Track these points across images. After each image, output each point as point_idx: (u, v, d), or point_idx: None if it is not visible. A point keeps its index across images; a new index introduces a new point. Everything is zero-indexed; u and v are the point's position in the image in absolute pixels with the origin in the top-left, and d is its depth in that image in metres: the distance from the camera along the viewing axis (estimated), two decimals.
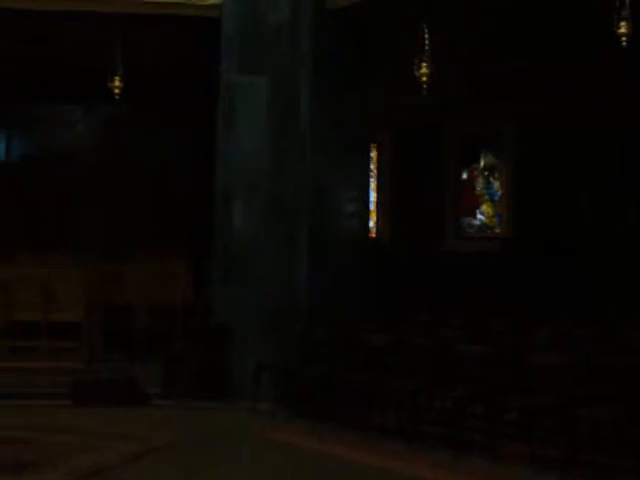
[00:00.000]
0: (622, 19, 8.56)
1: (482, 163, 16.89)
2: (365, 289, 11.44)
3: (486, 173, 16.89)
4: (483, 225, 16.91)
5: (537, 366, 8.14)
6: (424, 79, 10.02)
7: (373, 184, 16.82)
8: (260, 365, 10.21)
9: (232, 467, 7.95)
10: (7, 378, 11.63)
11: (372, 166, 16.46)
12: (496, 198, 16.69)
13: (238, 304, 10.85)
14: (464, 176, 17.10)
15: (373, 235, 16.83)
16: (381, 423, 9.02)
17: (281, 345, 10.48)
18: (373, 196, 16.80)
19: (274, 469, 7.88)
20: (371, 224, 16.13)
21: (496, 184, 16.72)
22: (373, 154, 16.64)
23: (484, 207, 16.84)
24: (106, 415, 9.98)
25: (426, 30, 9.93)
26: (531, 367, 8.16)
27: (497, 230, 16.65)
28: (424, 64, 9.96)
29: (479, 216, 16.91)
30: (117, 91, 11.14)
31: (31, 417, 9.75)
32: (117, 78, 11.10)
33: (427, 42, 9.89)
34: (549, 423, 7.92)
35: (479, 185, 16.94)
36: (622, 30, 8.58)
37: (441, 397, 8.66)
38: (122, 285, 13.93)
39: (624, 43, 8.60)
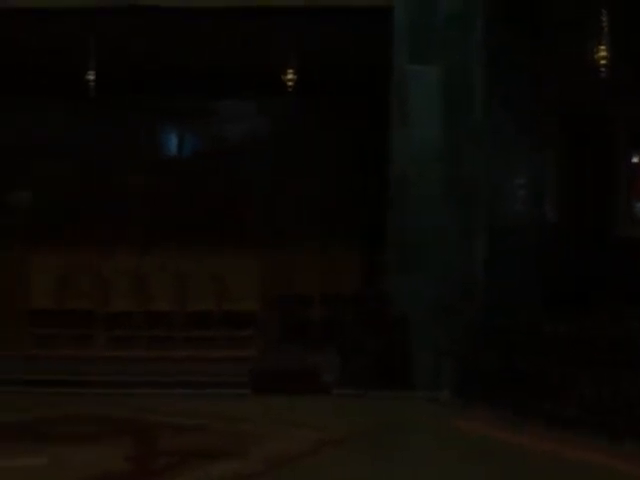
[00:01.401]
0: None
1: None
2: (539, 276, 11.27)
3: None
4: None
5: None
6: (602, 62, 9.80)
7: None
8: (439, 354, 10.19)
9: (416, 457, 7.93)
10: (186, 367, 11.95)
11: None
12: None
13: (413, 292, 10.82)
14: (635, 160, 16.60)
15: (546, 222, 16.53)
16: (564, 413, 8.86)
17: (457, 333, 10.42)
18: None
19: (459, 459, 7.75)
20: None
21: None
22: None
23: None
24: (286, 404, 10.10)
25: (605, 13, 9.70)
26: None
27: None
28: (602, 47, 9.73)
29: None
30: (290, 84, 11.23)
31: (213, 406, 9.98)
32: (290, 71, 11.19)
33: (606, 25, 9.66)
34: None
35: None
36: None
37: (627, 388, 8.44)
38: (295, 274, 14.10)
39: None
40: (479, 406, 9.67)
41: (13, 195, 15.00)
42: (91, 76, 11.17)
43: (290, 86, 11.28)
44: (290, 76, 11.24)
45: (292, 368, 11.42)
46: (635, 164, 16.44)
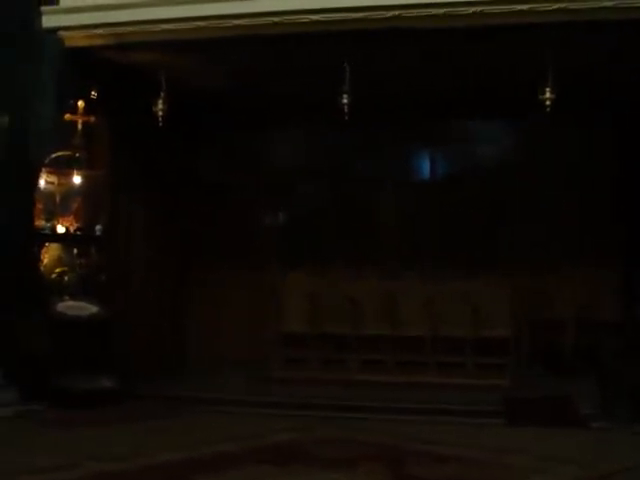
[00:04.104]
0: None
1: None
2: None
3: None
4: None
5: None
6: None
7: None
8: None
9: None
10: (437, 394, 11.78)
11: None
12: None
13: None
14: None
15: None
16: None
17: None
18: None
19: None
20: None
21: None
22: None
23: None
24: (541, 436, 9.65)
25: None
26: None
27: None
28: None
29: None
30: (548, 103, 10.83)
31: (466, 435, 9.70)
32: (548, 89, 10.81)
33: None
34: None
35: None
36: None
37: None
38: (549, 300, 13.69)
39: None
40: None
41: (268, 217, 15.39)
42: (345, 99, 11.22)
43: (548, 105, 10.87)
44: (548, 94, 10.84)
45: (547, 398, 10.98)
46: None
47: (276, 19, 10.92)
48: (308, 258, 14.52)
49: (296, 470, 7.94)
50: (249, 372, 13.28)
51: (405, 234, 14.63)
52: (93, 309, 11.75)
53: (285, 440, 9.45)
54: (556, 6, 10.24)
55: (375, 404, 11.21)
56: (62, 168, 12.11)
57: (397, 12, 10.67)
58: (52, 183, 12.08)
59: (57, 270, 11.98)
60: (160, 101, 11.92)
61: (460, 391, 11.98)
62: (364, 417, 10.62)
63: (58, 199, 12.08)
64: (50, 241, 12.04)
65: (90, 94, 12.03)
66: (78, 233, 12.14)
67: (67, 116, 11.98)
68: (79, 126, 12.05)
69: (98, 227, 12.24)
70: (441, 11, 10.56)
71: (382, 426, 10.17)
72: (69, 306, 11.70)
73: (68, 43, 11.75)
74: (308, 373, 13.21)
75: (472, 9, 10.46)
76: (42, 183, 11.98)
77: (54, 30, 11.70)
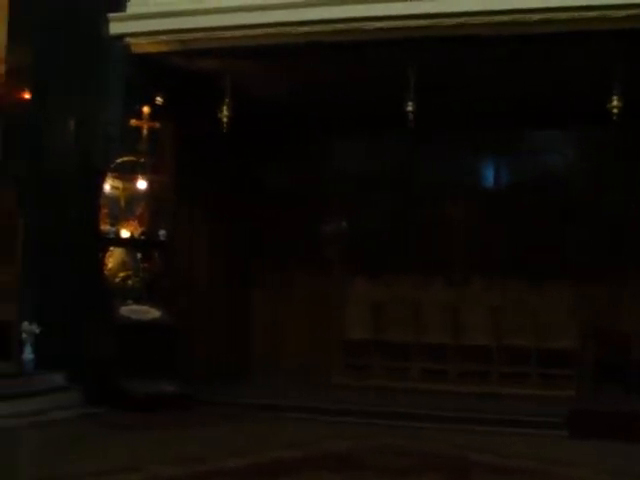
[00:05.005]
0: None
1: None
2: None
3: None
4: None
5: None
6: None
7: None
8: None
9: None
10: (500, 404, 11.66)
11: None
12: None
13: None
14: None
15: None
16: None
17: None
18: None
19: None
20: None
21: None
22: None
23: None
24: (605, 449, 9.47)
25: None
26: None
27: None
28: None
29: None
30: (615, 112, 10.66)
31: (529, 446, 9.56)
32: (615, 98, 10.64)
33: None
34: None
35: None
36: None
37: None
38: (616, 310, 13.45)
39: None
40: None
41: (331, 225, 15.32)
42: (410, 107, 11.14)
43: (615, 113, 10.68)
44: (615, 102, 10.66)
45: (612, 411, 10.79)
46: None
47: (341, 26, 10.92)
48: (373, 265, 14.47)
49: (355, 478, 7.90)
50: (310, 378, 13.27)
51: (471, 243, 14.43)
52: (156, 313, 11.84)
53: (345, 447, 9.42)
54: (625, 13, 10.08)
55: (437, 413, 11.11)
56: (127, 173, 12.22)
57: (462, 19, 10.60)
58: (117, 188, 12.21)
59: (121, 274, 12.10)
60: (225, 107, 11.97)
61: (524, 402, 11.86)
62: (425, 426, 10.55)
63: (123, 204, 12.21)
64: (114, 245, 12.16)
65: (155, 100, 12.12)
66: (142, 238, 12.25)
67: (133, 122, 12.09)
68: (144, 132, 12.16)
69: (162, 232, 12.34)
70: (506, 18, 10.47)
71: (443, 435, 10.10)
72: (132, 310, 11.80)
73: (134, 49, 11.86)
74: (370, 380, 13.18)
75: (538, 16, 10.34)
76: (107, 188, 12.11)
77: (121, 36, 11.83)
